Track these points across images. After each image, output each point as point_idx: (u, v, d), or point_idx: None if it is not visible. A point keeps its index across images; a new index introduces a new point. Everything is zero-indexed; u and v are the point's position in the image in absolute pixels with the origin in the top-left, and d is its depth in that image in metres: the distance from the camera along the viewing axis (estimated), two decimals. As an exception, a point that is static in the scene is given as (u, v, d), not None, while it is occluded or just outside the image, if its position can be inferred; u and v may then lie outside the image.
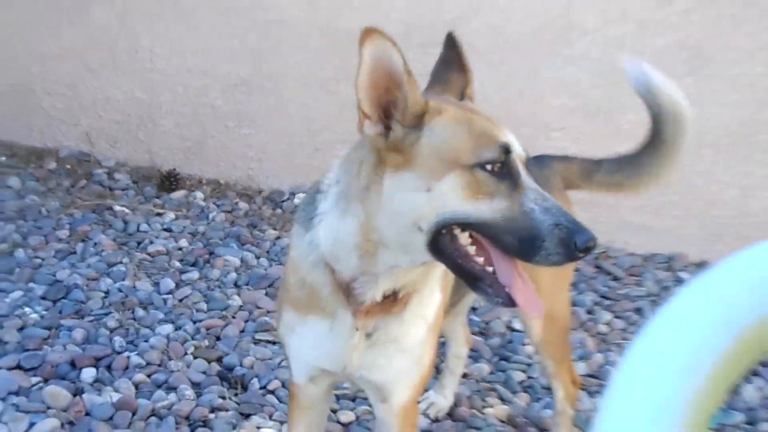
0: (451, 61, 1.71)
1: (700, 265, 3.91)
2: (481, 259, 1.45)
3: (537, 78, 4.08)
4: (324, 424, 2.06)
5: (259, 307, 3.20)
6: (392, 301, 1.60)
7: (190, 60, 4.46)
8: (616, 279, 3.78)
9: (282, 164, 4.55)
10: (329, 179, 1.64)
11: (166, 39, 4.45)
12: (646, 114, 2.00)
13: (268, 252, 3.74)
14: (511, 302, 1.43)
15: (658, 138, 2.00)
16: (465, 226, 1.43)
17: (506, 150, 1.42)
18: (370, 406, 2.40)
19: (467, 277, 1.48)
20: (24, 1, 4.53)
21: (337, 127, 4.34)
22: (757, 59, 3.73)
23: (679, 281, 3.75)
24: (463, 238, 1.45)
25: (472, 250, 1.45)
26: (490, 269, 1.45)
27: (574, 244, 1.32)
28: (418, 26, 4.02)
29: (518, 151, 1.46)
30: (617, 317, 3.38)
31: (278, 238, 3.89)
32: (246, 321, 3.10)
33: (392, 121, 1.48)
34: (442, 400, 2.68)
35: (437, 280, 1.68)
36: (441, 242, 1.45)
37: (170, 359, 2.80)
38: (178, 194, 4.34)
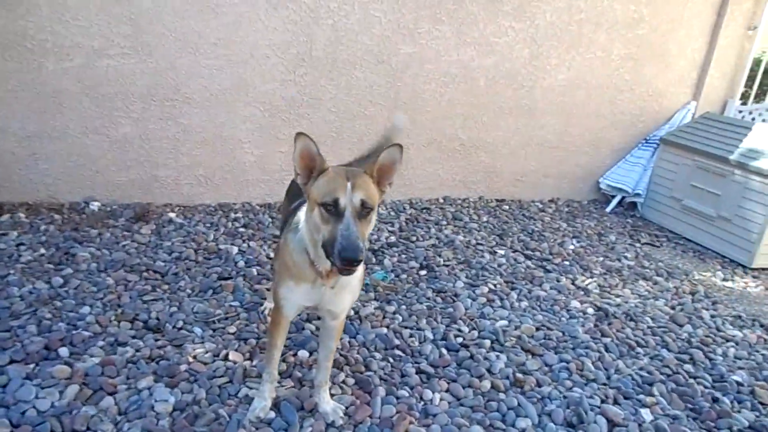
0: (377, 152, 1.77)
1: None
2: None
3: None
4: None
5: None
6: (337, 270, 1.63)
7: None
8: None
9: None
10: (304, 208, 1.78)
11: None
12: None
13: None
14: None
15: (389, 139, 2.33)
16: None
17: (335, 201, 1.53)
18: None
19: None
20: None
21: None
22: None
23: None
24: None
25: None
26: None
27: (342, 257, 1.46)
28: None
29: (351, 202, 1.54)
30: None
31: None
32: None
33: (311, 177, 1.65)
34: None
35: None
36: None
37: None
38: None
